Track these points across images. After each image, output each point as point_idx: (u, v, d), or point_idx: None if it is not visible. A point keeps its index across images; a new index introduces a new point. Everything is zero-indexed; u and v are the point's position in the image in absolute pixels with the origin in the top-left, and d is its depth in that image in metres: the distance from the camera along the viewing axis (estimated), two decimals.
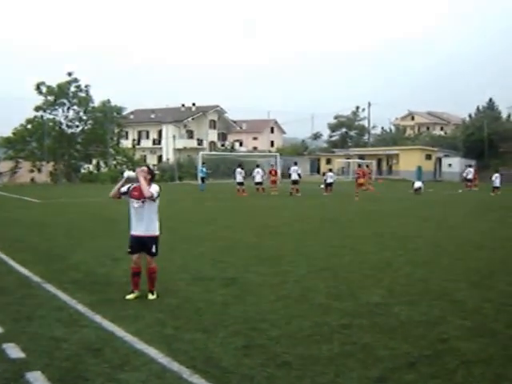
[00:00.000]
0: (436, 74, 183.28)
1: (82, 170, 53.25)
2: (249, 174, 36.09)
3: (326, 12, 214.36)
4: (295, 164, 34.20)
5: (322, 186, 34.60)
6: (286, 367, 5.14)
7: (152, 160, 72.44)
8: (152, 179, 7.66)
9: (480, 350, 5.64)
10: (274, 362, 5.25)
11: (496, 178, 35.83)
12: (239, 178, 31.97)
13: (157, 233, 7.67)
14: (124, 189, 7.68)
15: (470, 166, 41.42)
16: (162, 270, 8.85)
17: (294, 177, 32.59)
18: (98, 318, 6.57)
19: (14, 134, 48.37)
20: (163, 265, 9.34)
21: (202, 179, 37.76)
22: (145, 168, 7.71)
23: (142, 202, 7.50)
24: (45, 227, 15.48)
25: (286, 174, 49.99)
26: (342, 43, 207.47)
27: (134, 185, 7.65)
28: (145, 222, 7.52)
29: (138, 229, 7.55)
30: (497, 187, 35.32)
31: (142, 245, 7.55)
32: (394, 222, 17.96)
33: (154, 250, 7.61)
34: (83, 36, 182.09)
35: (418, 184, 35.77)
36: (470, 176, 39.79)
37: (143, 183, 7.41)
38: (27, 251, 11.33)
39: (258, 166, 35.59)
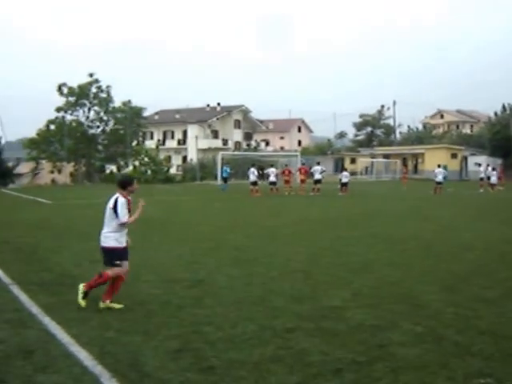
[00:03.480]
0: (468, 68, 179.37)
1: (107, 171, 53.86)
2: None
3: (353, 9, 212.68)
4: (318, 164, 34.28)
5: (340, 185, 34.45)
6: (208, 372, 5.10)
7: (177, 160, 73.04)
8: (124, 188, 7.25)
9: (417, 356, 5.50)
10: (198, 367, 5.21)
11: (493, 176, 37.89)
12: (252, 178, 32.02)
13: (105, 244, 7.20)
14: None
15: (479, 165, 41.40)
16: (132, 271, 8.87)
17: (317, 176, 33.08)
18: (46, 320, 6.63)
19: (38, 134, 49.08)
20: (135, 267, 9.38)
21: (225, 179, 37.66)
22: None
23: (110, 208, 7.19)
24: (41, 229, 15.66)
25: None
26: (368, 40, 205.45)
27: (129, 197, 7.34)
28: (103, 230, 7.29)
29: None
30: (494, 184, 37.33)
31: None
32: (395, 222, 17.68)
33: (105, 258, 7.28)
34: (108, 32, 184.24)
35: (440, 177, 35.30)
36: (483, 175, 39.66)
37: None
38: (11, 252, 11.52)
39: (272, 166, 35.66)
